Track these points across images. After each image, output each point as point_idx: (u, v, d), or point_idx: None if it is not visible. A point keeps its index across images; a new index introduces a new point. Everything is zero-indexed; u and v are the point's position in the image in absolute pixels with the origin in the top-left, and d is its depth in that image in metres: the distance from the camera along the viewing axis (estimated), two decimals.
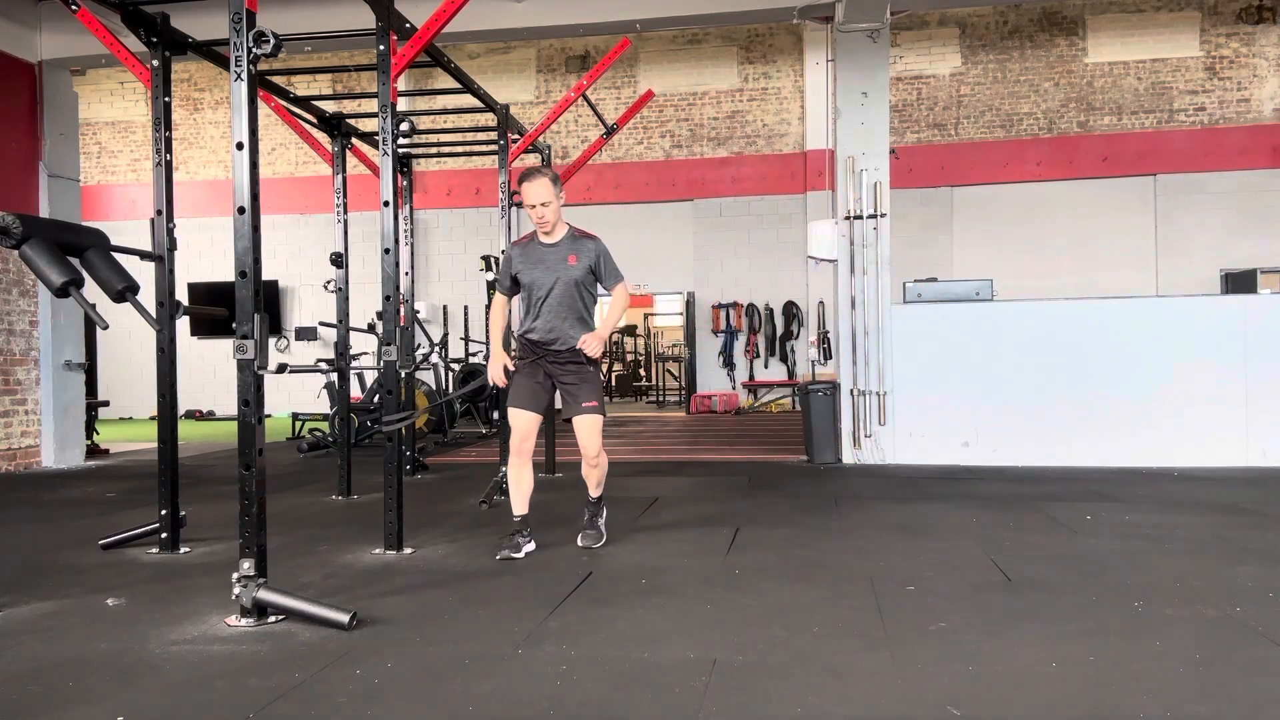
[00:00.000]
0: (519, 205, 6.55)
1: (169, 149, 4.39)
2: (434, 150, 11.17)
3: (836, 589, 3.45)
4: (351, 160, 6.78)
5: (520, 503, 4.12)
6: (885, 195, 7.37)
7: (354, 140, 6.64)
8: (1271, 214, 12.89)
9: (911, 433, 7.23)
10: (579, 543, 4.26)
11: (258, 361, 3.04)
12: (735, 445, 9.10)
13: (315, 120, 6.32)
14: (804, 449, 7.81)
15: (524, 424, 4.08)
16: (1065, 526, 4.61)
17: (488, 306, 4.75)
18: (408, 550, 4.23)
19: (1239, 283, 8.03)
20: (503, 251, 4.79)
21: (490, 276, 5.49)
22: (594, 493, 4.35)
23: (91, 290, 3.66)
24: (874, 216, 7.35)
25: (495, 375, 4.13)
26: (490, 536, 4.55)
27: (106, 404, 11.25)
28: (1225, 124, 13.16)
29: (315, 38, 5.56)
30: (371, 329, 7.47)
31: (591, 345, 4.05)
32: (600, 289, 4.27)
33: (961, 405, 7.15)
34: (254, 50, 3.02)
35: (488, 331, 4.42)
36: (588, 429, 4.12)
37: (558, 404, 4.47)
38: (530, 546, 4.10)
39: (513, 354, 4.31)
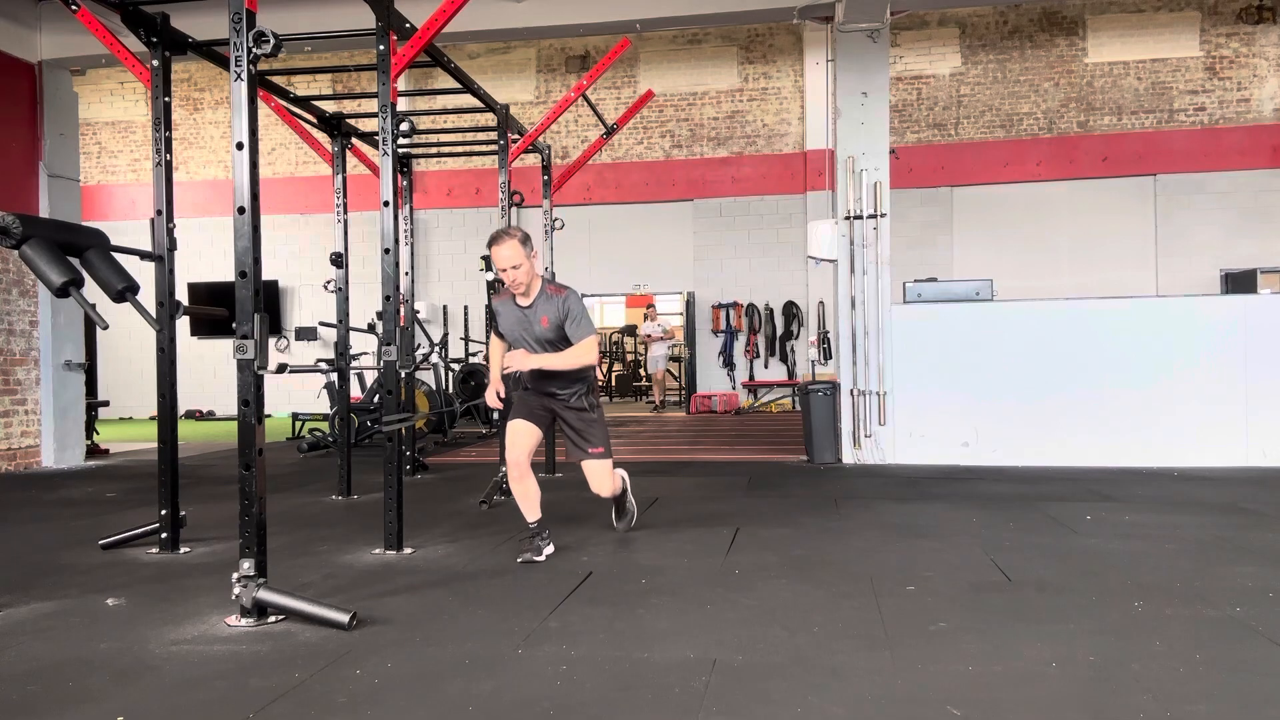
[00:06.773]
0: (519, 205, 6.58)
1: (169, 149, 4.39)
2: (434, 150, 11.19)
3: (836, 589, 3.45)
4: (351, 160, 6.79)
5: (532, 510, 4.11)
6: (885, 195, 7.37)
7: (354, 140, 6.64)
8: (1271, 214, 12.89)
9: (911, 433, 7.23)
10: (615, 526, 4.62)
11: (258, 361, 3.04)
12: (735, 445, 9.10)
13: (315, 120, 6.32)
14: (804, 449, 7.80)
15: (522, 436, 4.11)
16: (1065, 526, 4.61)
17: (487, 306, 4.77)
18: (408, 550, 4.23)
19: (1239, 283, 8.02)
20: (487, 305, 4.90)
21: (490, 276, 5.51)
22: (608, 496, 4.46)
23: (91, 290, 3.66)
24: (874, 216, 7.35)
25: (490, 399, 4.34)
26: (490, 536, 4.56)
27: (106, 404, 11.26)
28: (1225, 124, 13.16)
29: (315, 38, 5.55)
30: (371, 329, 7.47)
31: (516, 360, 3.96)
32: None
33: (961, 405, 7.15)
34: (254, 50, 3.02)
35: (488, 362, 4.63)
36: (598, 475, 4.25)
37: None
38: (550, 549, 4.07)
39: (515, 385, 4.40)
